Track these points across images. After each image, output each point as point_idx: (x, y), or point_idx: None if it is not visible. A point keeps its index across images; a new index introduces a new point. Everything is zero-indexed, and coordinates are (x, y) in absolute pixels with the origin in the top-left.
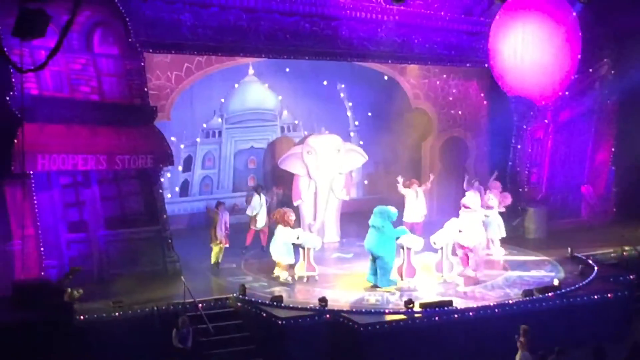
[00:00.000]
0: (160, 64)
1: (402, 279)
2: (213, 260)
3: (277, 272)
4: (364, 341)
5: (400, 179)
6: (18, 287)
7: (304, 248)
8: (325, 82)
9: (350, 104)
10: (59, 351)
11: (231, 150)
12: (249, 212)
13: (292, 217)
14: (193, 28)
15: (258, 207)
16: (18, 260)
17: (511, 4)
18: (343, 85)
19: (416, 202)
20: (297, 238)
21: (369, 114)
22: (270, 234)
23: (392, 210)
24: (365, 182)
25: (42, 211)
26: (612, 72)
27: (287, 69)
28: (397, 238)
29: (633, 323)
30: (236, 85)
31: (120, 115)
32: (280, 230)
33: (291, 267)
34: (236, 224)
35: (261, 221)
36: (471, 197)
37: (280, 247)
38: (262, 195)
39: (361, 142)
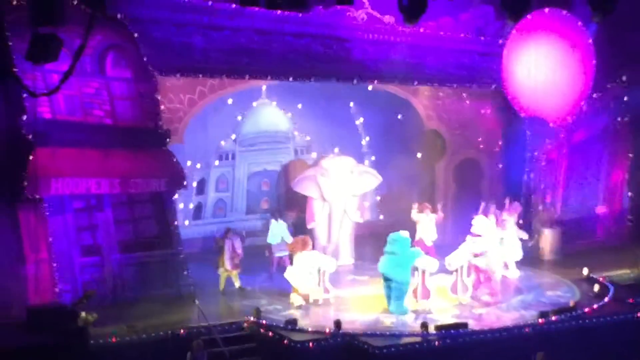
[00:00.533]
0: (174, 87)
1: (417, 301)
2: (221, 287)
3: (293, 298)
4: None
5: (415, 206)
6: (32, 311)
7: (319, 270)
8: (337, 104)
9: (363, 125)
10: None
11: (244, 172)
12: (270, 240)
13: (310, 241)
14: (205, 51)
15: (279, 234)
16: (31, 285)
17: (524, 24)
18: (356, 107)
19: (428, 226)
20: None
21: (383, 135)
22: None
23: (404, 234)
24: (378, 198)
25: (56, 235)
26: (627, 92)
27: (300, 91)
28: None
29: None
30: (249, 108)
31: (134, 138)
32: (299, 256)
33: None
34: (247, 247)
35: (283, 248)
36: (479, 224)
37: (300, 273)
38: (279, 220)
39: (374, 159)
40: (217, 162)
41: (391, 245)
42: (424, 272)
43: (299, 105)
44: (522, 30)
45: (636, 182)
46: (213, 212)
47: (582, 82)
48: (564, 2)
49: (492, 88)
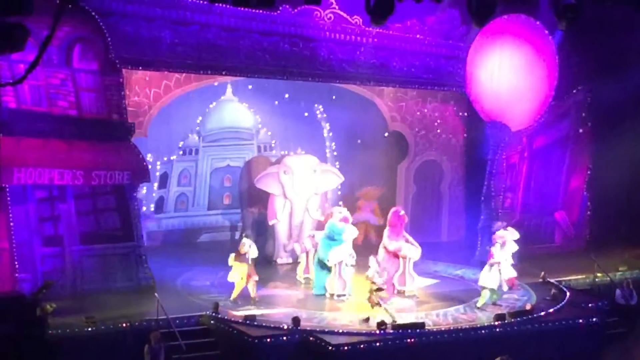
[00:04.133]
0: (139, 81)
1: (332, 290)
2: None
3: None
4: None
5: None
6: None
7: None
8: (302, 103)
9: (327, 125)
10: None
11: (207, 168)
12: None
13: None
14: (172, 46)
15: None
16: None
17: (489, 29)
18: (321, 106)
19: None
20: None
21: (346, 135)
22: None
23: (336, 225)
24: (340, 202)
25: (17, 224)
26: (588, 98)
27: (266, 89)
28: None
29: (604, 350)
30: (214, 104)
31: (98, 130)
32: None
33: None
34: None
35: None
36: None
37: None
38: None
39: (337, 163)
40: (175, 157)
41: None
42: (339, 263)
43: (264, 103)
44: (487, 34)
45: (595, 189)
46: (175, 206)
47: (545, 88)
48: (530, 9)
49: (456, 91)
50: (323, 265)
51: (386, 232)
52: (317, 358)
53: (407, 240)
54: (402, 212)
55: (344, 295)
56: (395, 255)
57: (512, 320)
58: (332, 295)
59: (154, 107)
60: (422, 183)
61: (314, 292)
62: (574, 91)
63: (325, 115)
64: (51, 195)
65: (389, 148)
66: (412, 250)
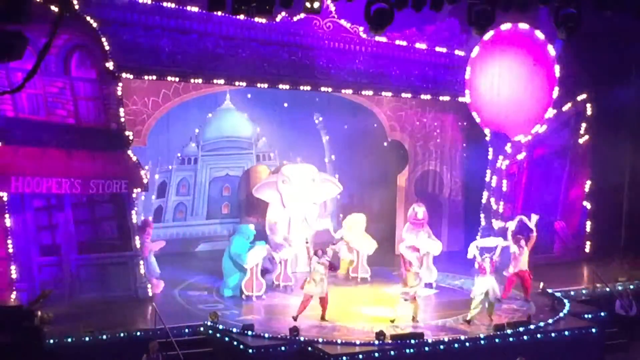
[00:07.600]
0: (137, 90)
1: (250, 291)
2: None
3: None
4: None
5: None
6: None
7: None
8: (301, 112)
9: (326, 134)
10: None
11: (206, 177)
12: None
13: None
14: (171, 54)
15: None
16: None
17: (489, 38)
18: (320, 115)
19: None
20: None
21: (345, 144)
22: None
23: (249, 227)
24: (341, 215)
25: (15, 234)
26: (588, 109)
27: (265, 98)
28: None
29: None
30: (212, 113)
31: (96, 139)
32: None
33: None
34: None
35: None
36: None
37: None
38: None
39: (336, 173)
40: (174, 166)
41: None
42: (255, 266)
43: (263, 112)
44: (487, 44)
45: (595, 199)
46: (173, 215)
47: (545, 97)
48: (530, 18)
49: (456, 100)
50: (240, 267)
51: (405, 227)
52: None
53: (429, 236)
54: (415, 210)
55: (262, 297)
56: (415, 249)
57: (511, 330)
58: (248, 297)
59: (152, 116)
60: (422, 192)
61: (224, 293)
62: (574, 101)
63: (324, 124)
64: (49, 204)
65: (389, 157)
66: (431, 245)
